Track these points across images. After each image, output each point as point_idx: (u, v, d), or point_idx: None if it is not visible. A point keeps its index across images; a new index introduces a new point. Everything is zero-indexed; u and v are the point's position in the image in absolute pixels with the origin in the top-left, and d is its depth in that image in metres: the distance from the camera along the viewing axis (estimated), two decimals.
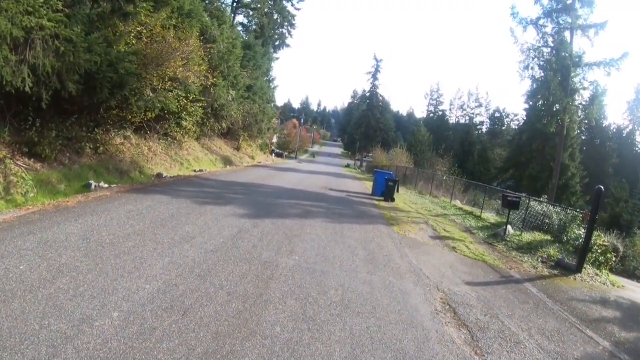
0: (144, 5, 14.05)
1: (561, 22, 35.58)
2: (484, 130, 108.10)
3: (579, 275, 12.18)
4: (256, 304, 5.95)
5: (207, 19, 27.21)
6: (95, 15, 12.27)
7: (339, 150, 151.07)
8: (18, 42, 9.34)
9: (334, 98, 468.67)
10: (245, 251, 8.44)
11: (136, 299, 5.46)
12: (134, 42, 16.03)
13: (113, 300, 5.33)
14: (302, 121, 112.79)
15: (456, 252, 12.62)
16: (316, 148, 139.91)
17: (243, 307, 5.77)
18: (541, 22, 36.36)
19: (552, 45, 35.60)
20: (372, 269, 8.93)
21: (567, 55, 33.81)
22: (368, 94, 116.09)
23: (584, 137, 64.51)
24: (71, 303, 5.08)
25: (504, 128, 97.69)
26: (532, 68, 36.80)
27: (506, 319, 7.54)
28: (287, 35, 61.11)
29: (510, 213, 16.80)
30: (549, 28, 36.32)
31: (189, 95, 20.49)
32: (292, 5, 59.74)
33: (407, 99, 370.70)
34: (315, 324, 5.67)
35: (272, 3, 56.11)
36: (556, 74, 33.70)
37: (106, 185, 13.28)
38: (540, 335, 7.13)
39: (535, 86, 42.12)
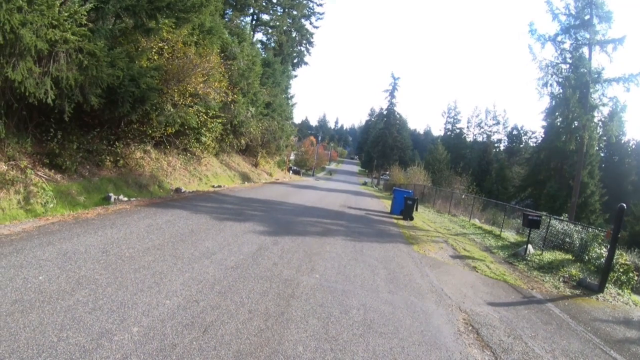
0: (166, 21, 14.17)
1: (579, 38, 35.34)
2: (502, 148, 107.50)
3: (601, 294, 11.89)
4: (278, 322, 5.81)
5: (227, 36, 27.37)
6: (117, 30, 12.38)
7: (356, 168, 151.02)
8: (42, 55, 9.40)
9: (351, 116, 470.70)
10: (266, 268, 8.32)
11: (156, 314, 5.35)
12: (155, 57, 16.19)
13: (132, 314, 5.23)
14: (320, 139, 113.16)
15: (477, 271, 12.39)
16: (333, 166, 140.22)
17: (264, 325, 5.63)
18: (559, 38, 36.14)
19: (570, 61, 35.31)
20: (393, 288, 8.75)
21: (585, 71, 33.51)
22: (385, 112, 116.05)
23: (602, 154, 63.56)
24: (90, 316, 4.99)
25: (521, 146, 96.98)
26: (551, 85, 36.44)
27: (529, 340, 7.32)
28: (305, 53, 61.43)
29: (531, 232, 16.52)
30: (567, 44, 36.08)
31: (208, 111, 20.56)
32: (311, 23, 60.28)
33: (424, 117, 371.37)
34: (338, 344, 5.50)
35: (290, 21, 56.49)
36: (575, 91, 33.35)
37: (125, 199, 13.29)
38: (564, 356, 6.91)
39: (553, 103, 41.59)
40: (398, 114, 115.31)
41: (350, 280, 8.69)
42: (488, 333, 7.22)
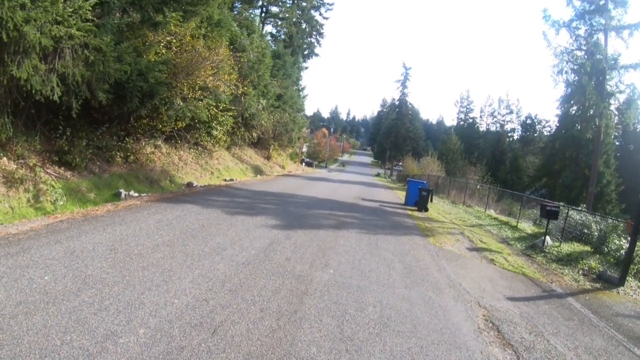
0: (173, 15, 14.04)
1: (594, 23, 34.87)
2: (515, 137, 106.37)
3: (622, 288, 11.64)
4: (290, 321, 5.62)
5: (236, 28, 27.14)
6: (124, 24, 12.23)
7: (369, 159, 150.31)
8: (47, 51, 9.25)
9: (363, 107, 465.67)
10: (278, 264, 8.13)
11: (164, 314, 5.18)
12: (163, 51, 16.03)
13: (139, 315, 5.06)
14: (332, 130, 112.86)
15: (494, 264, 12.15)
16: (346, 157, 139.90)
17: (276, 324, 5.44)
18: (574, 24, 35.67)
19: (586, 48, 34.84)
20: (410, 283, 8.54)
21: (601, 57, 33.01)
22: (397, 102, 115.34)
23: (617, 143, 62.35)
24: (95, 317, 4.83)
25: (535, 135, 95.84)
26: (566, 72, 35.98)
27: (551, 337, 7.09)
28: (315, 44, 61.00)
29: (549, 223, 16.18)
30: (582, 30, 35.61)
31: (219, 104, 20.41)
32: (320, 14, 59.65)
33: (436, 107, 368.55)
34: (354, 344, 5.30)
35: (300, 13, 56.13)
36: (591, 78, 32.91)
37: (136, 194, 13.20)
38: (587, 354, 6.68)
39: (569, 91, 41.03)
40: (410, 104, 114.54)
41: (365, 275, 8.48)
42: (509, 330, 7.00)
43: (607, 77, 33.24)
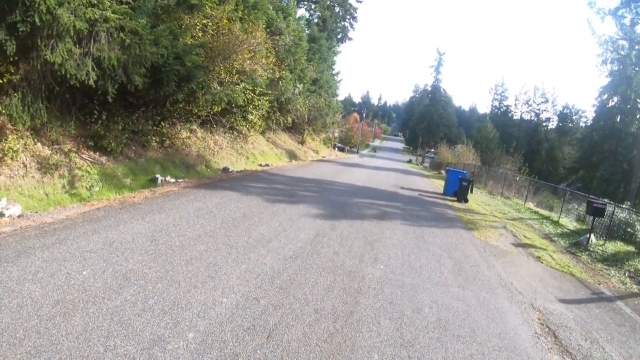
0: None
1: None
2: (551, 127, 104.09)
3: None
4: (347, 324, 5.22)
5: (272, 11, 26.76)
6: (160, 7, 12.06)
7: (400, 145, 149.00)
8: (81, 35, 9.04)
9: (395, 92, 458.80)
10: (327, 258, 7.74)
11: (213, 315, 4.81)
12: (199, 34, 15.80)
13: (187, 316, 4.68)
14: (363, 115, 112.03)
15: (541, 262, 11.65)
16: (377, 142, 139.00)
17: (333, 327, 5.04)
18: (620, 12, 34.13)
19: (633, 37, 33.35)
20: (462, 281, 8.11)
21: None
22: (430, 88, 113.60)
23: None
24: (140, 319, 4.47)
25: (571, 125, 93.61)
26: (611, 62, 34.63)
27: (606, 344, 6.70)
28: (349, 28, 60.15)
29: (594, 220, 15.46)
30: (628, 19, 34.09)
31: (255, 88, 20.12)
32: None
33: (468, 93, 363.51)
34: (415, 351, 4.91)
35: None
36: (636, 69, 31.62)
37: (172, 180, 12.98)
38: None
39: (612, 81, 39.60)
40: (443, 90, 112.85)
41: (416, 271, 8.06)
42: (565, 336, 6.65)
43: None
